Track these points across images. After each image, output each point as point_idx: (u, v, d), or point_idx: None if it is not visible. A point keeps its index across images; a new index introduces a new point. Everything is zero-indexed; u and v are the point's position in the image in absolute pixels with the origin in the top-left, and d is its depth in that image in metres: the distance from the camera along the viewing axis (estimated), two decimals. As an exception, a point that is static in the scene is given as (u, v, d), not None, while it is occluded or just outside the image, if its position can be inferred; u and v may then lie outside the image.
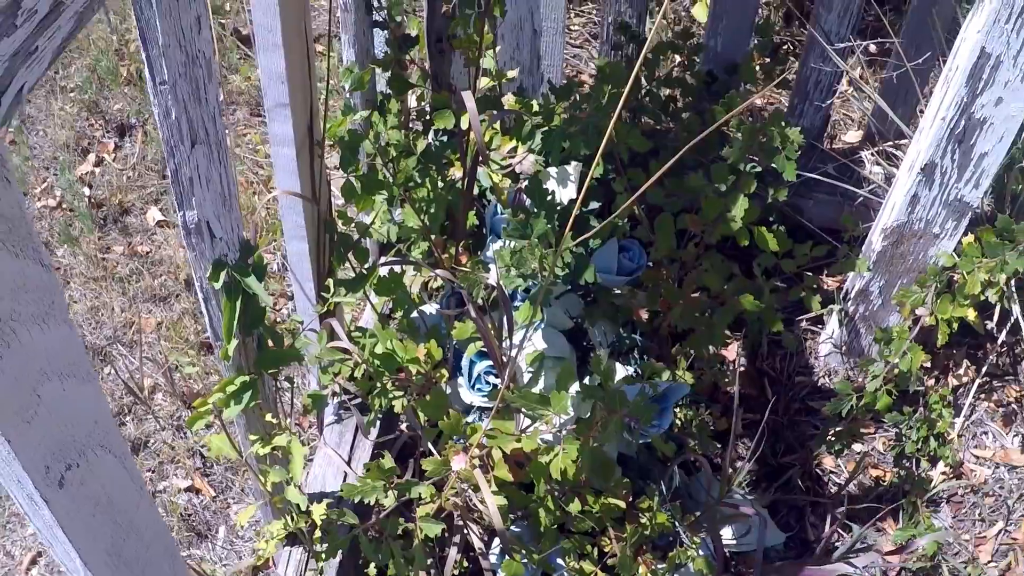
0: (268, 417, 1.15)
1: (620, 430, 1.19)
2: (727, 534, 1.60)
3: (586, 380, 1.33)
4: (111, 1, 2.64)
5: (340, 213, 1.37)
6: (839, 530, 1.74)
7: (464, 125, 1.43)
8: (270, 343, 1.11)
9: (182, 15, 0.85)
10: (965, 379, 1.99)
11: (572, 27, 2.66)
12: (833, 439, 1.74)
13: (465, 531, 1.30)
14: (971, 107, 1.59)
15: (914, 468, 1.87)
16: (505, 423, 1.24)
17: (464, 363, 1.44)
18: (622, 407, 1.16)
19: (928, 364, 1.99)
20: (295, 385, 1.38)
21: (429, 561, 1.23)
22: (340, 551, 1.20)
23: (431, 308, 1.55)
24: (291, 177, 1.17)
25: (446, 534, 1.31)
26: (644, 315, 1.54)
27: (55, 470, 0.73)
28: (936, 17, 1.96)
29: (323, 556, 1.18)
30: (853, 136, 2.41)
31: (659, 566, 1.42)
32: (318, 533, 1.18)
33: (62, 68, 2.48)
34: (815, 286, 1.89)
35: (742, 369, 1.91)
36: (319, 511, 1.17)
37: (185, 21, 0.85)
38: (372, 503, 1.12)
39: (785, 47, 2.64)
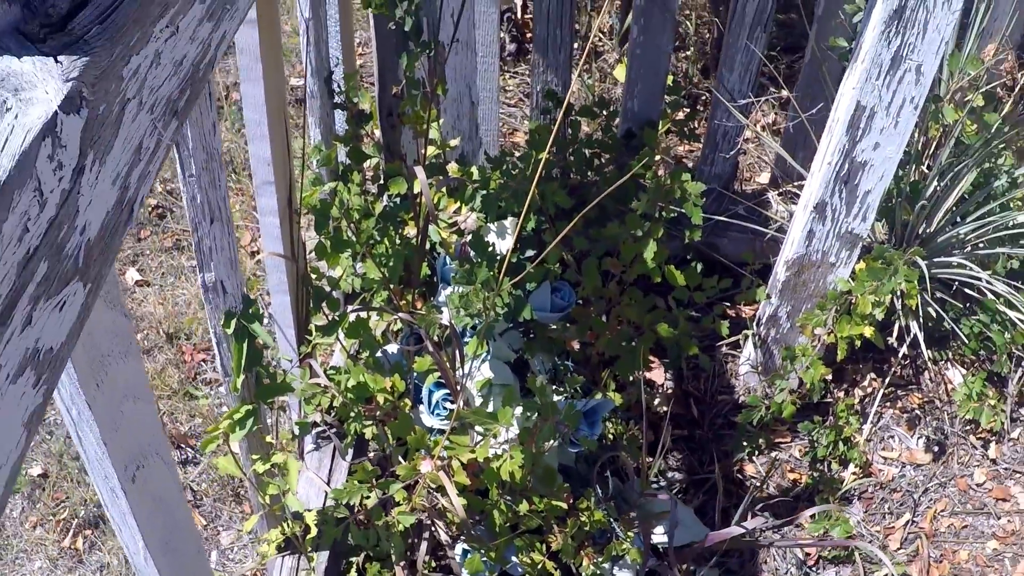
0: (268, 439, 1.47)
1: (554, 434, 1.52)
2: (659, 532, 1.93)
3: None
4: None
5: (313, 269, 1.70)
6: (751, 514, 2.09)
7: (416, 190, 1.78)
8: (266, 379, 1.43)
9: (203, 122, 1.18)
10: (870, 389, 2.37)
11: (507, 88, 3.04)
12: (746, 444, 2.09)
13: (433, 528, 1.62)
14: (853, 152, 1.97)
15: (826, 470, 2.23)
16: (461, 437, 1.57)
17: (424, 392, 1.77)
18: (554, 414, 1.50)
19: (836, 378, 2.36)
20: (277, 418, 1.69)
21: (406, 551, 1.55)
22: (327, 550, 1.52)
23: (393, 348, 1.88)
24: (276, 242, 1.50)
25: (417, 534, 1.63)
26: (576, 345, 1.88)
27: (130, 469, 1.05)
28: (826, 72, 2.36)
29: (320, 546, 1.49)
30: (765, 177, 2.80)
31: (598, 559, 1.75)
32: (311, 535, 1.49)
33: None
34: (726, 313, 2.25)
35: (670, 391, 2.27)
36: (311, 517, 1.48)
37: (205, 127, 1.19)
38: (356, 504, 1.44)
39: (703, 98, 3.05)
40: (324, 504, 1.64)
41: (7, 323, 0.58)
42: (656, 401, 2.22)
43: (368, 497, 1.43)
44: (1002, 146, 2.27)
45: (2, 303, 0.57)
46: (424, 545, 1.59)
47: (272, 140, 1.39)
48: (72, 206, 0.63)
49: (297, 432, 1.57)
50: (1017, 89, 2.34)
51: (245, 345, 1.31)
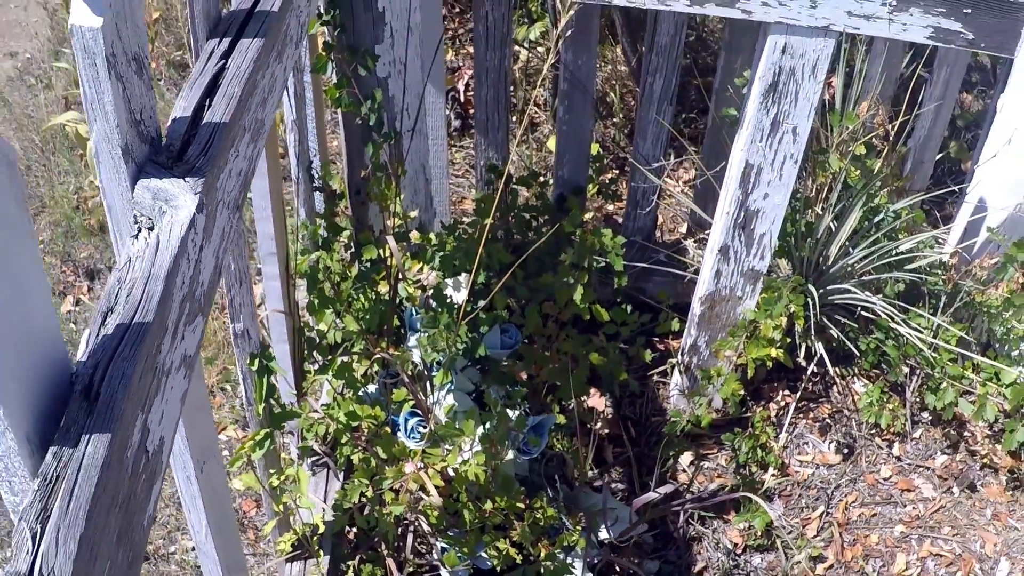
0: (283, 455, 1.95)
1: (507, 437, 2.02)
2: (604, 531, 2.42)
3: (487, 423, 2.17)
4: (68, 164, 3.46)
5: (305, 324, 2.20)
6: (689, 521, 2.59)
7: (384, 254, 2.30)
8: (277, 409, 1.92)
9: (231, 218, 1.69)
10: (784, 403, 2.89)
11: (455, 161, 3.58)
12: (673, 452, 2.60)
13: (416, 523, 2.11)
14: (746, 202, 2.52)
15: (748, 473, 2.73)
16: (435, 450, 2.07)
17: (401, 420, 2.27)
18: (507, 421, 2.00)
19: (754, 395, 2.89)
20: (282, 445, 2.17)
21: (395, 543, 2.04)
22: (329, 544, 2.00)
23: (371, 388, 2.37)
24: (277, 300, 2.00)
25: (403, 537, 2.12)
26: (524, 376, 2.39)
27: (199, 462, 1.53)
28: (725, 135, 2.91)
29: (325, 540, 1.98)
30: (684, 228, 3.35)
31: (554, 550, 2.24)
32: (317, 536, 1.98)
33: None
34: (656, 347, 2.78)
35: (610, 416, 2.78)
36: (319, 517, 1.97)
37: (233, 219, 1.69)
38: (355, 500, 1.93)
39: (629, 160, 3.60)
40: (324, 516, 2.13)
41: (175, 339, 1.08)
42: (598, 425, 2.73)
43: (365, 494, 1.91)
44: (879, 186, 2.84)
45: (172, 328, 1.07)
46: (410, 537, 2.08)
47: (274, 221, 1.90)
48: (198, 269, 1.14)
49: (297, 457, 2.05)
50: (892, 137, 2.91)
51: (265, 379, 1.80)
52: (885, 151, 2.90)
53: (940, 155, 3.26)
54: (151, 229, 1.07)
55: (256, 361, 1.77)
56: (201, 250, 1.14)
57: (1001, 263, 2.73)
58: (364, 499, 1.93)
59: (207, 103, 1.23)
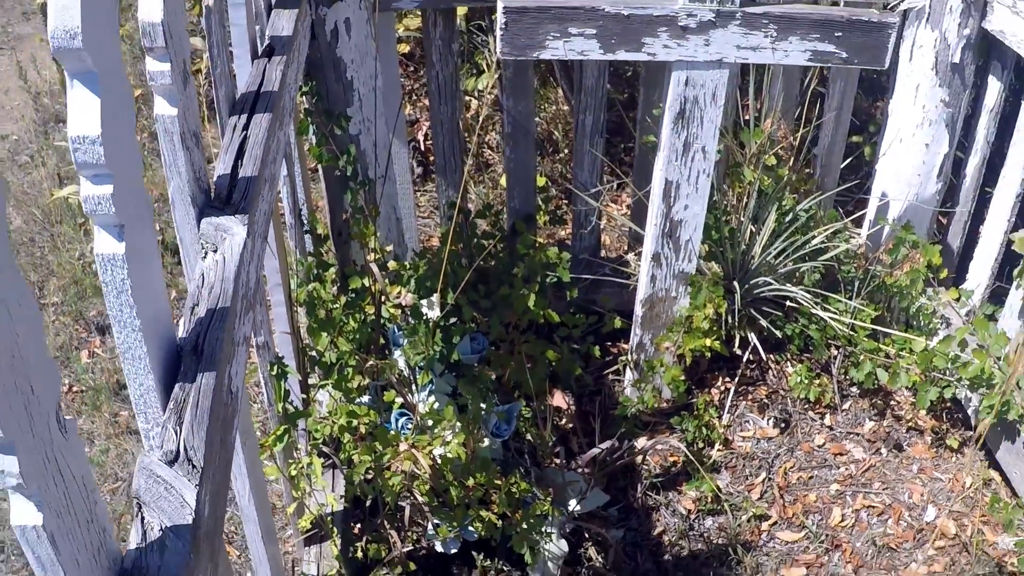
0: (300, 444, 2.54)
1: (480, 418, 2.62)
2: (572, 504, 3.01)
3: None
4: (73, 233, 4.07)
5: (307, 345, 2.80)
6: (647, 493, 3.19)
7: (367, 283, 2.90)
8: (291, 409, 2.52)
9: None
10: (725, 388, 3.50)
11: (420, 204, 4.21)
12: (624, 429, 3.21)
13: (411, 498, 2.69)
14: (670, 214, 3.15)
15: (696, 450, 3.33)
16: (422, 437, 2.66)
17: (392, 420, 2.86)
18: (479, 401, 2.60)
19: (698, 384, 3.50)
20: (294, 444, 2.75)
21: (397, 512, 2.63)
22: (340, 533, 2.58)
23: (364, 398, 2.97)
24: (284, 323, 2.60)
25: (400, 519, 2.71)
26: (493, 376, 2.99)
27: (243, 436, 2.12)
28: (651, 159, 3.54)
29: (345, 496, 2.56)
30: (626, 243, 3.97)
31: (528, 518, 2.83)
32: (332, 512, 2.56)
33: (39, 289, 3.89)
34: (609, 350, 3.39)
35: (572, 411, 3.38)
36: (331, 498, 2.56)
37: (262, 246, 2.30)
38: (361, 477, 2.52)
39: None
40: (335, 501, 2.72)
41: (240, 322, 1.69)
42: (563, 420, 3.33)
43: (371, 469, 2.50)
44: (790, 190, 3.48)
45: (238, 314, 1.67)
46: (407, 510, 2.67)
47: (279, 258, 2.51)
48: (248, 276, 1.75)
49: (307, 454, 2.64)
50: (796, 147, 3.55)
51: (281, 384, 2.40)
52: (791, 160, 3.54)
53: (854, 157, 3.91)
54: (215, 250, 1.68)
55: (275, 368, 2.36)
56: (249, 264, 1.74)
57: (894, 244, 3.37)
58: (369, 474, 2.52)
59: (239, 163, 1.84)
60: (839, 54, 2.95)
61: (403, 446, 2.53)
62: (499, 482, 2.76)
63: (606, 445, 2.99)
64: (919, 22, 3.36)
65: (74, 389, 3.57)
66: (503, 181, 3.67)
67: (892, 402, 3.57)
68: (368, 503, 2.94)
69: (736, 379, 3.51)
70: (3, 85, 5.18)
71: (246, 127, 1.94)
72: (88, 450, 3.38)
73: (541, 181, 3.52)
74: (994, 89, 3.42)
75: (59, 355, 3.69)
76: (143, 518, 1.30)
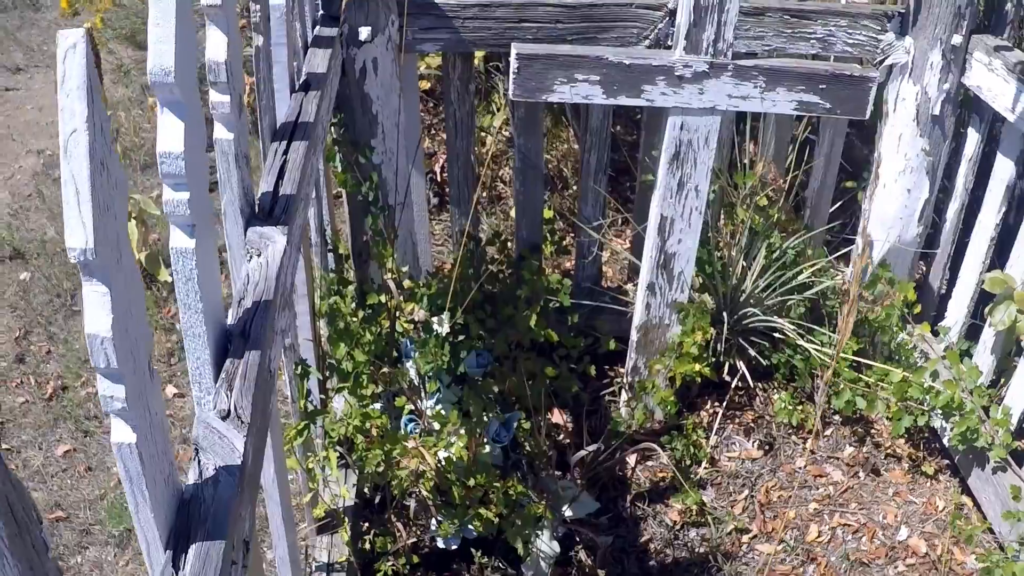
0: (316, 440, 2.90)
1: (483, 424, 2.98)
2: (567, 511, 3.35)
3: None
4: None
5: (326, 352, 3.17)
6: (635, 504, 3.53)
7: (384, 300, 3.28)
8: (310, 407, 2.88)
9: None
10: (714, 412, 3.85)
11: (435, 232, 4.59)
12: (614, 443, 3.56)
13: (416, 491, 3.05)
14: (664, 247, 3.51)
15: (684, 467, 3.68)
16: (428, 438, 3.03)
17: (401, 423, 3.22)
18: (480, 404, 2.96)
19: (689, 407, 3.85)
20: (312, 443, 3.11)
21: (403, 498, 2.99)
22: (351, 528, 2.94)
23: (376, 405, 3.33)
24: (308, 331, 2.97)
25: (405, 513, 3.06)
26: (496, 390, 3.36)
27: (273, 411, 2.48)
28: (651, 197, 3.91)
29: (357, 487, 2.92)
30: (626, 274, 4.34)
31: (523, 517, 3.18)
32: (344, 505, 2.91)
33: (71, 297, 4.27)
34: (607, 373, 3.75)
35: (571, 428, 3.73)
36: (344, 490, 2.91)
37: (296, 255, 2.68)
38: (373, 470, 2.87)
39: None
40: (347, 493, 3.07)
41: (280, 315, 2.06)
42: (561, 436, 3.69)
43: (382, 461, 2.86)
44: (779, 229, 3.85)
45: (278, 308, 2.05)
46: (412, 504, 3.02)
47: (305, 271, 2.89)
48: (286, 278, 2.13)
49: (322, 450, 3.00)
50: (786, 189, 3.92)
51: (304, 382, 2.76)
52: (781, 201, 3.91)
53: (846, 200, 4.27)
54: (259, 255, 2.05)
55: (299, 368, 2.73)
56: (288, 268, 2.11)
57: (871, 279, 3.74)
58: (380, 467, 2.88)
59: (280, 182, 2.22)
60: (823, 104, 3.32)
61: (411, 443, 2.89)
62: (498, 484, 3.11)
63: (593, 447, 3.35)
64: (903, 76, 3.73)
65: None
66: (512, 211, 4.05)
67: (872, 430, 3.91)
68: (377, 500, 3.30)
69: (724, 403, 3.86)
70: (39, 102, 5.61)
71: (286, 152, 2.32)
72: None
73: (548, 214, 3.89)
74: (973, 140, 3.79)
75: (89, 361, 4.07)
76: (200, 460, 1.66)
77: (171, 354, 4.14)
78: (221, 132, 2.00)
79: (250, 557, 1.80)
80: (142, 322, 1.39)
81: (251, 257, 2.06)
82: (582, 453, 3.34)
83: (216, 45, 1.88)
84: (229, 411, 1.73)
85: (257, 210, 2.17)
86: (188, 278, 1.69)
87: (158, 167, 1.59)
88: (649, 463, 3.73)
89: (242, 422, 1.72)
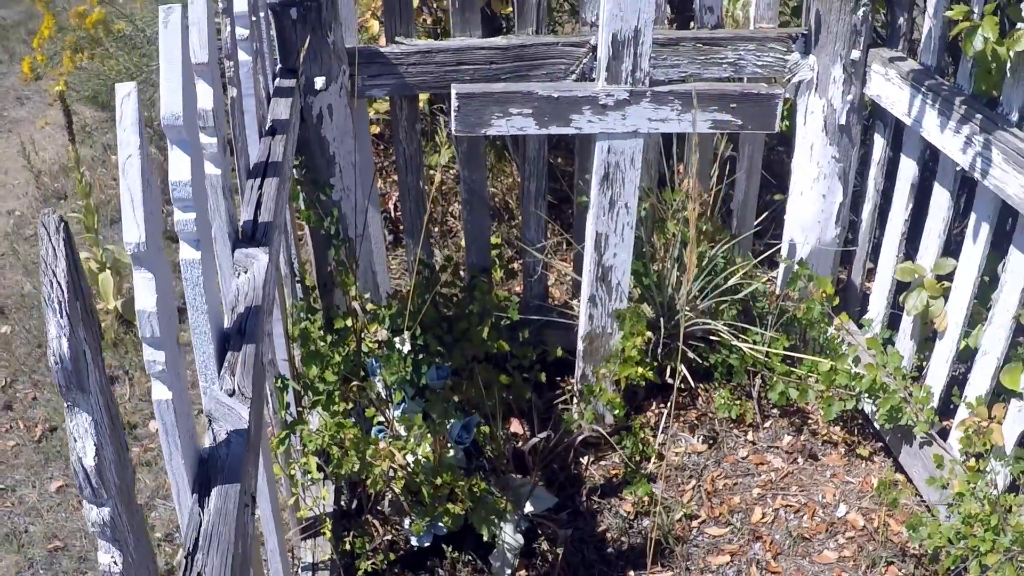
0: (296, 450, 3.40)
1: (445, 425, 3.50)
2: (527, 507, 3.86)
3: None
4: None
5: (300, 372, 3.68)
6: (590, 498, 4.05)
7: (349, 324, 3.80)
8: (288, 419, 3.38)
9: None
10: (660, 412, 4.39)
11: (392, 267, 5.13)
12: (566, 439, 4.09)
13: (390, 494, 3.55)
14: (602, 261, 4.06)
15: (635, 462, 4.20)
16: (397, 442, 3.54)
17: (373, 432, 3.73)
18: (441, 407, 3.48)
19: (637, 409, 4.38)
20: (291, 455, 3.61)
21: (378, 496, 3.49)
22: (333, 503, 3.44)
23: (350, 420, 3.84)
24: (283, 352, 3.49)
25: (378, 504, 3.57)
26: (456, 398, 3.87)
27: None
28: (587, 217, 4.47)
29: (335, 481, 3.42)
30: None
31: (487, 512, 3.69)
32: (325, 511, 3.42)
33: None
34: (559, 384, 4.29)
35: (528, 436, 4.26)
36: (324, 491, 3.42)
37: (274, 272, 3.20)
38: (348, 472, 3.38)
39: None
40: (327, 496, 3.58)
41: (266, 323, 2.58)
42: (519, 443, 4.21)
43: (355, 461, 3.36)
44: (706, 240, 4.41)
45: (265, 318, 2.57)
46: (387, 498, 3.53)
47: (279, 299, 3.40)
48: (269, 290, 2.65)
49: (304, 458, 3.51)
50: (711, 202, 4.49)
51: (284, 395, 3.27)
52: (708, 213, 4.48)
53: (773, 210, 4.84)
54: (246, 271, 2.57)
55: (279, 381, 3.25)
56: (270, 282, 2.64)
57: (792, 278, 4.31)
58: (357, 467, 3.39)
59: (258, 212, 2.75)
60: (735, 121, 3.90)
61: (382, 444, 3.40)
62: (462, 482, 3.63)
63: (544, 434, 3.87)
64: (809, 91, 4.33)
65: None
66: (462, 241, 4.60)
67: (808, 420, 4.46)
68: (354, 506, 3.80)
69: (669, 404, 4.41)
70: (4, 166, 6.12)
71: (260, 186, 2.85)
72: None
73: (496, 240, 4.44)
74: (879, 145, 4.38)
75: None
76: (213, 428, 2.18)
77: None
78: (210, 168, 2.53)
79: (256, 510, 2.31)
80: (173, 307, 1.91)
81: (239, 273, 2.59)
82: (534, 440, 3.86)
83: (204, 96, 2.41)
84: (234, 390, 2.25)
85: (241, 235, 2.70)
86: (195, 283, 2.21)
87: (170, 193, 2.11)
88: (602, 462, 4.25)
89: (245, 397, 2.23)
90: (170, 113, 2.02)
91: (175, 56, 2.01)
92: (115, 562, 1.55)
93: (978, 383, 3.83)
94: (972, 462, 3.77)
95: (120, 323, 4.80)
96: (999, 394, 3.79)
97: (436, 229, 5.10)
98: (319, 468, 3.70)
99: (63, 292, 1.28)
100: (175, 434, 1.94)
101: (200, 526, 1.96)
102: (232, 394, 2.24)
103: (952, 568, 3.61)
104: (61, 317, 1.29)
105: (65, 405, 1.38)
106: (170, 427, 1.92)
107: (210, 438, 2.16)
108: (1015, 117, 3.53)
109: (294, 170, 3.74)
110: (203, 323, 2.26)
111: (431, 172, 5.15)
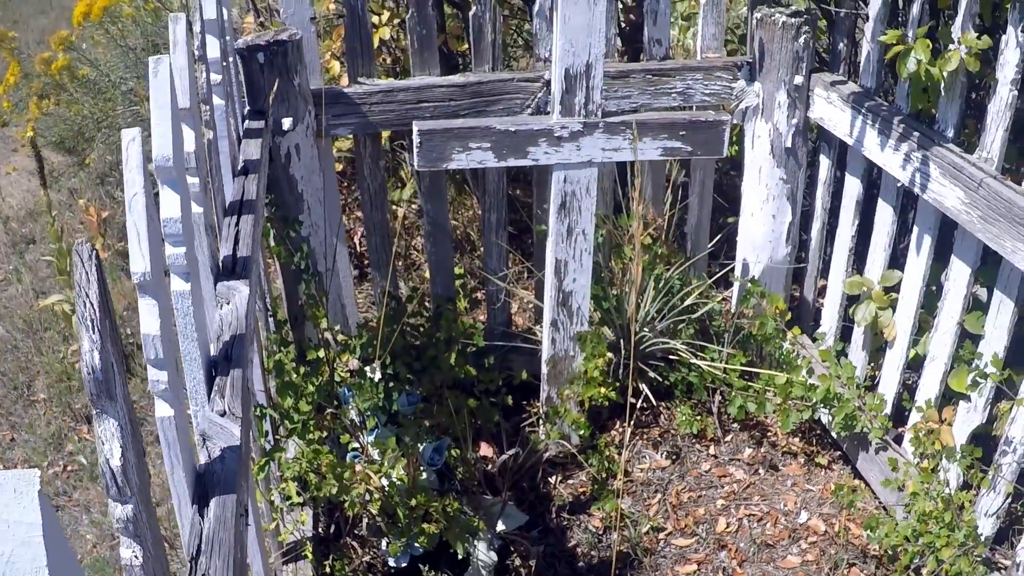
0: (275, 476, 3.63)
1: (418, 447, 3.74)
2: (500, 526, 4.10)
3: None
4: (58, 336, 5.17)
5: (276, 403, 3.92)
6: (560, 515, 4.30)
7: (321, 355, 4.04)
8: (267, 446, 3.62)
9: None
10: (623, 431, 4.65)
11: (358, 301, 5.37)
12: (534, 456, 4.34)
13: (367, 517, 3.78)
14: (562, 286, 4.33)
15: (601, 480, 4.45)
16: (372, 465, 3.78)
17: (348, 457, 3.97)
18: (414, 430, 3.73)
19: (601, 428, 4.64)
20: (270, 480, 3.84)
21: (355, 518, 3.73)
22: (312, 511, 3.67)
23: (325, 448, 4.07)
24: (260, 383, 3.72)
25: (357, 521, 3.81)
26: (427, 423, 4.12)
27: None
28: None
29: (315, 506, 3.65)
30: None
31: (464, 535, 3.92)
32: (305, 534, 3.65)
33: (27, 388, 4.98)
34: (526, 408, 4.55)
35: (497, 458, 4.50)
36: (304, 516, 3.64)
37: (255, 304, 3.44)
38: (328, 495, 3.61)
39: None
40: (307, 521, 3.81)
41: (249, 349, 2.83)
42: (489, 467, 4.46)
43: (334, 486, 3.59)
44: (661, 263, 4.69)
45: (249, 345, 2.81)
46: (364, 521, 3.76)
47: (256, 331, 3.64)
48: (251, 320, 2.90)
49: (283, 484, 3.74)
50: (666, 227, 4.77)
51: (263, 423, 3.50)
52: (662, 237, 4.77)
53: (726, 232, 5.13)
54: (228, 303, 2.81)
55: (258, 410, 3.48)
56: (251, 312, 2.88)
57: (745, 295, 4.60)
58: (335, 489, 3.62)
59: (236, 247, 3.00)
60: (685, 148, 4.18)
61: (358, 467, 3.64)
62: (436, 503, 3.87)
63: (513, 451, 4.12)
64: (756, 117, 4.63)
65: (68, 468, 4.64)
66: (427, 273, 4.86)
67: (768, 432, 4.74)
68: (332, 530, 4.03)
69: (632, 423, 4.67)
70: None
71: (237, 223, 3.10)
72: (86, 518, 4.44)
73: (459, 270, 4.71)
74: (825, 165, 4.69)
75: (51, 441, 4.77)
76: (207, 446, 2.41)
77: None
78: (194, 207, 2.77)
79: (250, 519, 2.54)
80: (172, 332, 2.16)
81: (221, 305, 2.83)
82: (504, 457, 4.10)
83: (188, 139, 2.67)
84: (224, 411, 2.49)
85: (222, 269, 2.94)
86: (186, 313, 2.45)
87: (162, 230, 2.36)
88: (570, 480, 4.50)
89: (236, 417, 2.48)
90: (161, 156, 2.27)
91: (165, 102, 2.27)
92: (136, 556, 1.79)
93: (928, 387, 4.12)
94: (925, 463, 4.05)
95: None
96: (949, 397, 4.08)
97: (400, 263, 5.36)
98: (298, 494, 3.93)
99: (95, 311, 1.53)
100: (176, 449, 2.17)
101: (202, 533, 2.20)
102: (223, 414, 2.48)
103: (909, 565, 3.88)
104: (93, 333, 1.53)
105: (94, 412, 1.62)
106: (172, 442, 2.16)
107: (205, 455, 2.40)
108: (951, 133, 3.84)
109: (265, 207, 3.99)
110: (193, 350, 2.50)
111: (395, 207, 5.42)
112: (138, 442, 1.73)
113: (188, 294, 2.42)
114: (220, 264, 2.97)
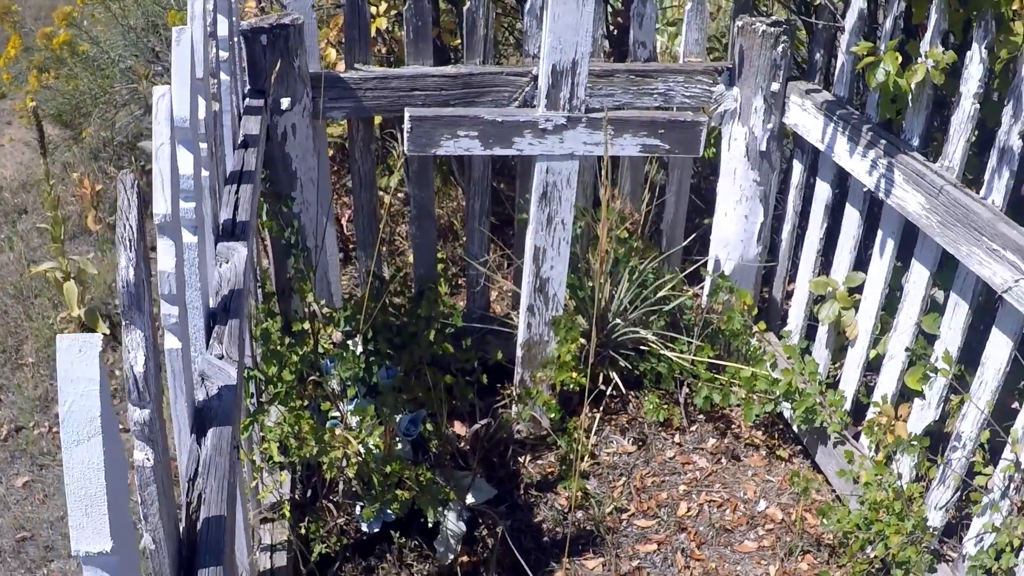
0: (263, 439, 3.94)
1: (394, 417, 4.05)
2: (469, 499, 4.40)
3: (384, 417, 4.20)
4: (48, 303, 5.46)
5: (261, 369, 4.21)
6: (527, 492, 4.61)
7: (306, 327, 4.35)
8: (253, 408, 3.92)
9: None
10: (593, 416, 4.96)
11: (344, 280, 5.68)
12: (504, 436, 4.65)
13: (343, 476, 4.09)
14: (540, 272, 4.64)
15: (569, 461, 4.76)
16: (351, 431, 4.08)
17: (328, 425, 4.27)
18: (390, 400, 4.04)
19: (572, 413, 4.95)
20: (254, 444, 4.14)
21: (333, 482, 4.03)
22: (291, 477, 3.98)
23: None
24: (247, 350, 4.02)
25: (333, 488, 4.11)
26: (404, 396, 4.43)
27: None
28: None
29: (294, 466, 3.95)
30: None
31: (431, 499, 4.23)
32: (285, 499, 3.95)
33: (15, 352, 5.26)
34: (500, 391, 4.86)
35: (470, 437, 4.82)
36: (283, 477, 3.95)
37: (253, 262, 3.74)
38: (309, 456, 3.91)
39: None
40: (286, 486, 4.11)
41: (245, 303, 3.14)
42: (462, 444, 4.77)
43: (313, 448, 3.90)
44: (636, 256, 5.02)
45: (245, 300, 3.12)
46: (341, 485, 4.06)
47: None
48: (249, 277, 3.21)
49: (267, 444, 4.04)
50: (642, 222, 5.10)
51: (249, 384, 3.81)
52: (638, 231, 5.09)
53: (702, 231, 5.46)
54: (227, 261, 3.12)
55: (244, 372, 3.78)
56: (248, 270, 3.18)
57: (714, 289, 4.92)
58: (315, 451, 3.92)
59: (236, 212, 3.30)
60: (663, 146, 4.50)
61: (337, 431, 3.95)
62: (410, 471, 4.17)
63: (485, 421, 4.43)
64: (733, 120, 4.96)
65: (53, 430, 4.93)
66: (411, 258, 5.17)
67: (732, 424, 5.06)
68: (309, 495, 4.34)
69: (601, 409, 4.99)
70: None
71: (237, 191, 3.41)
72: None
73: (441, 256, 5.02)
74: (797, 169, 5.02)
75: (38, 403, 5.06)
76: (205, 385, 2.72)
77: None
78: (202, 171, 3.08)
79: (241, 458, 2.84)
80: (183, 272, 2.46)
81: (221, 264, 3.14)
82: (476, 427, 4.42)
83: (201, 108, 2.98)
84: (222, 355, 2.80)
85: (222, 232, 3.25)
86: (192, 263, 2.76)
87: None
88: (539, 461, 4.82)
89: (232, 360, 2.78)
90: (179, 117, 2.58)
91: (185, 69, 2.58)
92: (148, 458, 2.09)
93: (885, 384, 4.44)
94: (879, 455, 4.37)
95: (83, 330, 5.29)
96: (906, 396, 4.40)
97: (384, 248, 5.67)
98: (278, 455, 4.23)
99: (134, 232, 1.83)
100: (181, 380, 2.48)
101: (199, 458, 2.50)
102: (221, 357, 2.79)
103: (859, 551, 4.20)
104: (130, 251, 1.84)
105: (123, 323, 1.92)
106: (177, 373, 2.47)
107: (203, 393, 2.71)
108: (916, 142, 4.17)
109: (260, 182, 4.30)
110: (196, 299, 2.81)
111: (382, 194, 5.73)
112: (156, 356, 2.03)
113: (195, 246, 2.72)
114: (220, 227, 3.27)
